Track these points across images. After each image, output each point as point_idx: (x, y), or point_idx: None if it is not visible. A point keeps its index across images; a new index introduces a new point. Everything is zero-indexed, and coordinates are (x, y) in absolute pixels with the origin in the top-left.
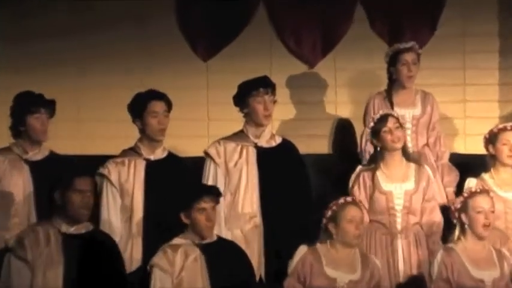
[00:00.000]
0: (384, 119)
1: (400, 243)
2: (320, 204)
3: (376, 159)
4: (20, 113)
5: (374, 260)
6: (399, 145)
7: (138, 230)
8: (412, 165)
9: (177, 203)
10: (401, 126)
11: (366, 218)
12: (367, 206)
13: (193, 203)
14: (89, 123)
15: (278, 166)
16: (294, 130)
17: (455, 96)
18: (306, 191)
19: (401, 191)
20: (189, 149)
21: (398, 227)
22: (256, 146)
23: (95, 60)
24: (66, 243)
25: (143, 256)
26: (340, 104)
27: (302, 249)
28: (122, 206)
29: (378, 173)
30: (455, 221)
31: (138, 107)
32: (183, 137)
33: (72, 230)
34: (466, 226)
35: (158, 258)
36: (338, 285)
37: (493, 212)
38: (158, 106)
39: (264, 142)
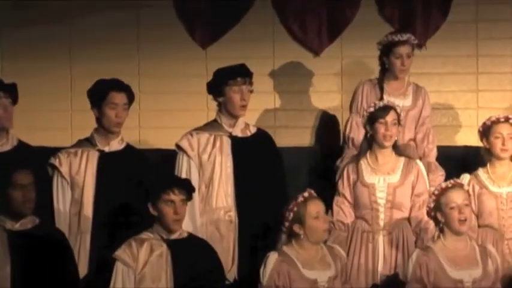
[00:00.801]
0: (385, 109)
1: (381, 241)
2: None
3: (364, 148)
4: None
5: (338, 249)
6: (388, 144)
7: (86, 226)
8: (402, 159)
9: (142, 194)
10: (399, 123)
11: (350, 214)
12: (351, 200)
13: (161, 194)
14: (82, 113)
15: (253, 156)
16: (297, 121)
17: (468, 85)
18: (281, 183)
19: (385, 184)
20: None
21: (381, 222)
22: (230, 136)
23: (89, 47)
24: (12, 241)
25: (90, 253)
26: (346, 93)
27: (272, 257)
28: (72, 199)
29: (363, 164)
30: (431, 220)
31: (98, 95)
32: (181, 128)
33: (17, 226)
34: (441, 224)
35: (121, 251)
36: (319, 285)
37: (467, 205)
38: (118, 98)
39: (238, 131)
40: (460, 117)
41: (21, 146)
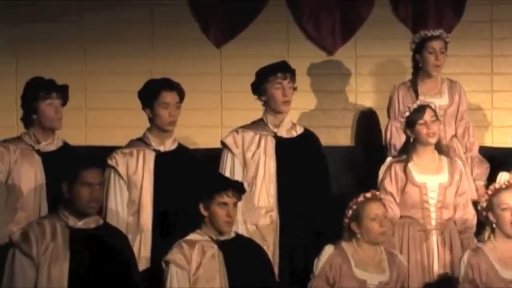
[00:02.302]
0: (421, 110)
1: (435, 240)
2: (342, 200)
3: (408, 151)
4: (31, 99)
5: (399, 257)
6: (434, 140)
7: (147, 225)
8: (444, 158)
9: (194, 194)
10: (437, 118)
11: (397, 213)
12: (398, 199)
13: (215, 195)
14: (96, 111)
15: (297, 158)
16: (311, 120)
17: (482, 85)
18: (325, 185)
19: (436, 183)
20: (201, 139)
21: (433, 222)
22: (275, 136)
23: (103, 45)
24: (73, 238)
25: (152, 253)
26: (361, 93)
27: (328, 249)
28: (129, 199)
29: (410, 165)
30: (483, 220)
31: (149, 96)
32: (195, 127)
33: (80, 224)
34: (493, 225)
35: (174, 254)
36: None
37: None
38: (170, 97)
39: (284, 132)
40: (474, 117)
41: (66, 147)
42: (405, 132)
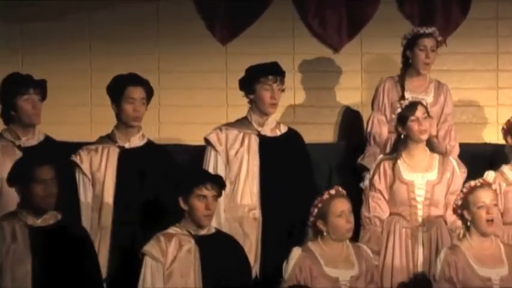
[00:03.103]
0: (413, 106)
1: (420, 237)
2: None
3: (398, 148)
4: (8, 96)
5: (365, 248)
6: (425, 137)
7: (107, 222)
8: (436, 156)
9: (173, 188)
10: (429, 116)
11: (385, 210)
12: (387, 196)
13: (194, 189)
14: (101, 108)
15: (280, 156)
16: (316, 117)
17: (488, 82)
18: (309, 184)
19: (423, 181)
20: None
21: (420, 219)
22: (259, 135)
23: (108, 42)
24: (33, 237)
25: (110, 249)
26: (366, 90)
27: (296, 252)
28: (93, 195)
29: (399, 162)
30: (458, 218)
31: (116, 91)
32: (200, 124)
33: (39, 222)
34: (469, 223)
35: (150, 246)
36: (340, 284)
37: (495, 205)
38: (136, 92)
39: (268, 131)
40: (479, 114)
41: (48, 141)
42: (396, 129)
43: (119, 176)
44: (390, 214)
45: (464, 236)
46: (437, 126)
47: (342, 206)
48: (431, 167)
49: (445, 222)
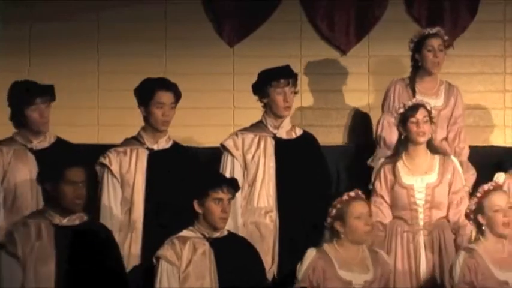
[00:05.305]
0: (415, 108)
1: (422, 240)
2: None
3: (399, 149)
4: (15, 104)
5: (382, 254)
6: (423, 139)
7: (138, 224)
8: (437, 157)
9: (189, 191)
10: (431, 120)
11: (388, 215)
12: (389, 201)
13: (210, 191)
14: (108, 110)
15: (296, 159)
16: (324, 120)
17: (495, 85)
18: (325, 186)
19: (423, 184)
20: (214, 138)
21: (421, 223)
22: (274, 137)
23: (116, 44)
24: (58, 236)
25: (142, 251)
26: (374, 92)
27: (310, 253)
28: (122, 197)
29: (399, 166)
30: (471, 222)
31: (145, 94)
32: (207, 126)
33: (65, 221)
34: (483, 227)
35: (165, 250)
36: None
37: (511, 207)
38: (165, 97)
39: (283, 133)
40: (487, 117)
41: (59, 142)
42: (398, 129)
43: (148, 177)
44: (394, 218)
45: (477, 239)
46: (447, 128)
47: (361, 208)
48: (432, 168)
49: (448, 221)
